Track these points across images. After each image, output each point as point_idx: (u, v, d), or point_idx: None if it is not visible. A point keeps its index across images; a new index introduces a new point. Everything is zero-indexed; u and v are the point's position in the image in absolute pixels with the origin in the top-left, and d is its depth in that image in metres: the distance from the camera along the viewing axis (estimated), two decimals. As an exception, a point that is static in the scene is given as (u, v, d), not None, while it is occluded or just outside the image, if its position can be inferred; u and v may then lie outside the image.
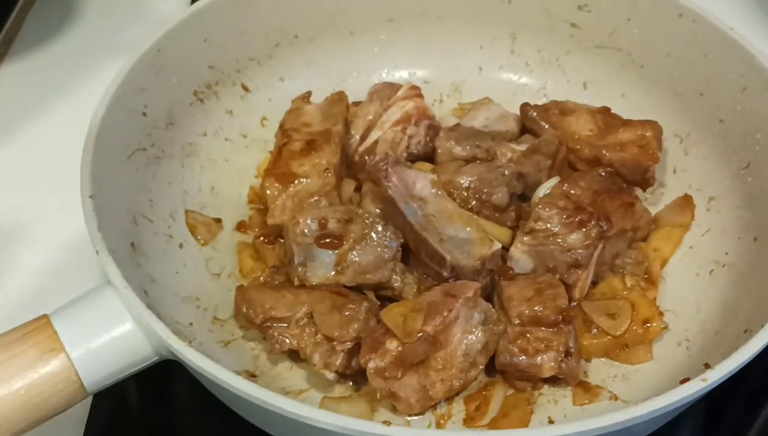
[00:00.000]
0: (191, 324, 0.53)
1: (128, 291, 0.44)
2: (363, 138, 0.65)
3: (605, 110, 0.64)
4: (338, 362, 0.50)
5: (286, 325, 0.52)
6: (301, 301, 0.52)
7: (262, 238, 0.60)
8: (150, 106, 0.59)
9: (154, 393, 0.55)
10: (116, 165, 0.55)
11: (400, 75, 0.72)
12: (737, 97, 0.59)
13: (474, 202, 0.59)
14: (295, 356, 0.53)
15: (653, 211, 0.62)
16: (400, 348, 0.49)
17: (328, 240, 0.55)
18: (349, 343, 0.51)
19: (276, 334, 0.52)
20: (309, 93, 0.68)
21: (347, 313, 0.51)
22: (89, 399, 0.52)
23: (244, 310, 0.53)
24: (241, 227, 0.61)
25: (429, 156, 0.65)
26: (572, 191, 0.56)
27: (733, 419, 0.55)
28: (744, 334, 0.47)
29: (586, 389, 0.52)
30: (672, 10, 0.63)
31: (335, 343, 0.51)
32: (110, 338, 0.44)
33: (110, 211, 0.51)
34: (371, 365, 0.49)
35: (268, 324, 0.52)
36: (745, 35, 0.60)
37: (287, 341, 0.52)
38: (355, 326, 0.51)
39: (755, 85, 0.58)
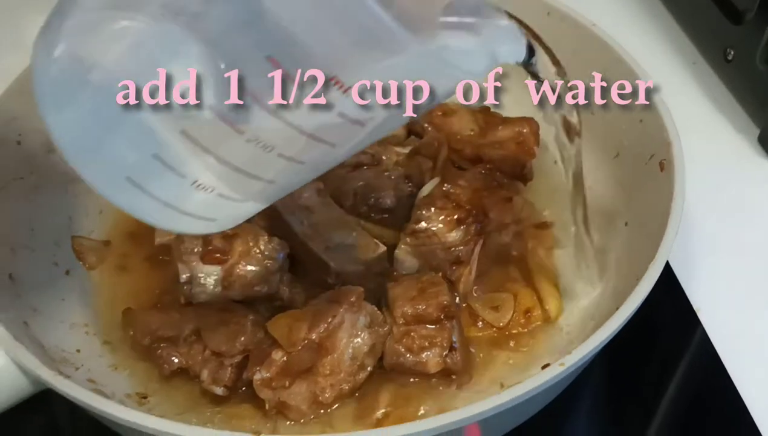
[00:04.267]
0: (78, 351, 0.53)
1: (-2, 324, 0.43)
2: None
3: (485, 109, 0.67)
4: (226, 376, 0.50)
5: (173, 345, 0.52)
6: (188, 319, 0.52)
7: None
8: (25, 134, 0.58)
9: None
10: (-12, 197, 0.54)
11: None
12: (604, 90, 0.62)
13: (363, 208, 0.60)
14: (185, 375, 0.53)
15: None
16: (285, 358, 0.49)
17: (214, 256, 0.55)
18: (237, 357, 0.51)
19: (164, 354, 0.52)
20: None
21: (233, 327, 0.51)
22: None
23: (131, 333, 0.53)
24: (127, 248, 0.61)
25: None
26: (452, 190, 0.58)
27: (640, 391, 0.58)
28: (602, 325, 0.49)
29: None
30: (540, 9, 0.65)
31: (223, 358, 0.51)
32: (-18, 373, 0.44)
33: (-18, 244, 0.50)
34: (257, 376, 0.49)
35: (155, 345, 0.52)
36: (607, 31, 0.62)
37: (175, 360, 0.52)
38: (242, 338, 0.51)
39: (617, 77, 0.60)
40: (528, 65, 0.42)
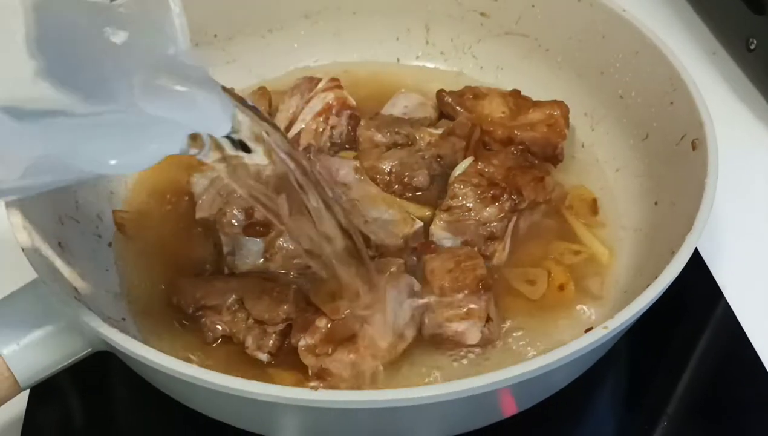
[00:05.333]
0: (124, 319, 0.54)
1: (56, 285, 0.44)
2: (286, 131, 0.67)
3: (516, 93, 0.68)
4: (270, 342, 0.52)
5: (217, 313, 0.53)
6: (231, 288, 0.54)
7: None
8: (71, 108, 0.59)
9: (93, 393, 0.56)
10: (39, 167, 0.55)
11: (320, 69, 0.74)
12: (634, 74, 0.64)
13: (397, 186, 0.62)
14: (228, 342, 0.54)
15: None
16: (328, 325, 0.51)
17: (255, 229, 0.56)
18: (280, 325, 0.52)
19: (208, 322, 0.53)
20: (231, 90, 0.70)
21: (276, 296, 0.53)
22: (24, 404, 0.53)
23: (175, 301, 0.54)
24: (167, 222, 0.62)
25: (351, 145, 0.67)
26: (486, 169, 0.60)
27: (655, 375, 0.59)
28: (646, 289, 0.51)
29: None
30: (570, -4, 0.67)
31: (266, 326, 0.52)
32: (42, 333, 0.45)
33: (35, 211, 0.51)
34: (302, 342, 0.50)
35: (199, 313, 0.53)
36: (642, 14, 0.64)
37: (219, 328, 0.53)
38: (285, 307, 0.52)
39: (648, 62, 0.62)
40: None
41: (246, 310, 0.53)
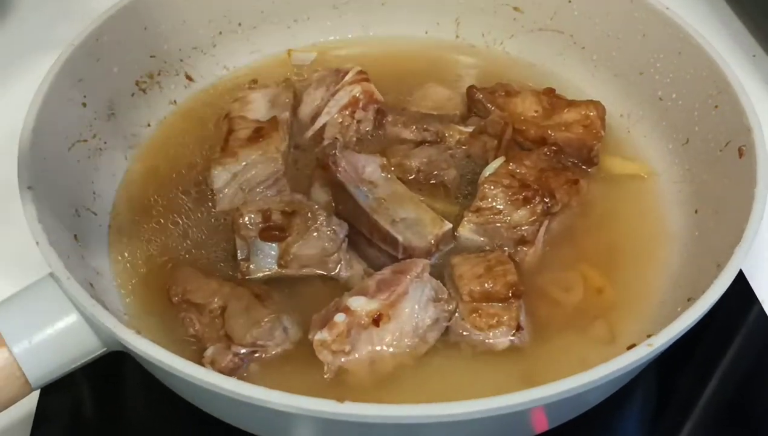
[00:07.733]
0: (138, 314, 0.52)
1: (71, 282, 0.43)
2: (311, 124, 0.65)
3: (550, 91, 0.65)
4: (225, 362, 0.48)
5: (198, 312, 0.51)
6: (223, 293, 0.51)
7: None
8: (90, 96, 0.57)
9: (104, 387, 0.54)
10: (56, 157, 0.53)
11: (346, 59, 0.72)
12: (675, 75, 0.61)
13: (425, 184, 0.59)
14: (194, 344, 0.50)
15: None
16: (347, 321, 0.48)
17: (272, 233, 0.54)
18: (246, 347, 0.49)
19: (185, 318, 0.51)
20: (255, 81, 0.68)
21: (254, 318, 0.50)
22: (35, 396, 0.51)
23: (167, 287, 0.52)
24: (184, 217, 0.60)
25: (378, 140, 0.65)
26: (517, 170, 0.57)
27: (685, 387, 0.56)
28: (688, 302, 0.48)
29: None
30: (609, -8, 0.64)
31: (232, 344, 0.49)
32: (54, 331, 0.43)
33: (51, 203, 0.50)
34: (318, 336, 0.48)
35: (183, 306, 0.51)
36: (680, 13, 0.61)
37: (191, 329, 0.50)
38: (255, 332, 0.49)
39: (692, 61, 0.59)
40: None
41: (223, 319, 0.50)
